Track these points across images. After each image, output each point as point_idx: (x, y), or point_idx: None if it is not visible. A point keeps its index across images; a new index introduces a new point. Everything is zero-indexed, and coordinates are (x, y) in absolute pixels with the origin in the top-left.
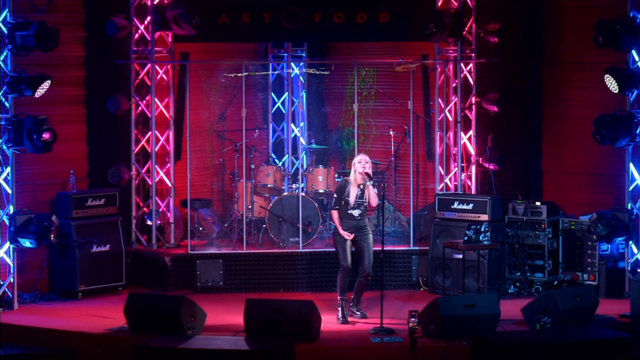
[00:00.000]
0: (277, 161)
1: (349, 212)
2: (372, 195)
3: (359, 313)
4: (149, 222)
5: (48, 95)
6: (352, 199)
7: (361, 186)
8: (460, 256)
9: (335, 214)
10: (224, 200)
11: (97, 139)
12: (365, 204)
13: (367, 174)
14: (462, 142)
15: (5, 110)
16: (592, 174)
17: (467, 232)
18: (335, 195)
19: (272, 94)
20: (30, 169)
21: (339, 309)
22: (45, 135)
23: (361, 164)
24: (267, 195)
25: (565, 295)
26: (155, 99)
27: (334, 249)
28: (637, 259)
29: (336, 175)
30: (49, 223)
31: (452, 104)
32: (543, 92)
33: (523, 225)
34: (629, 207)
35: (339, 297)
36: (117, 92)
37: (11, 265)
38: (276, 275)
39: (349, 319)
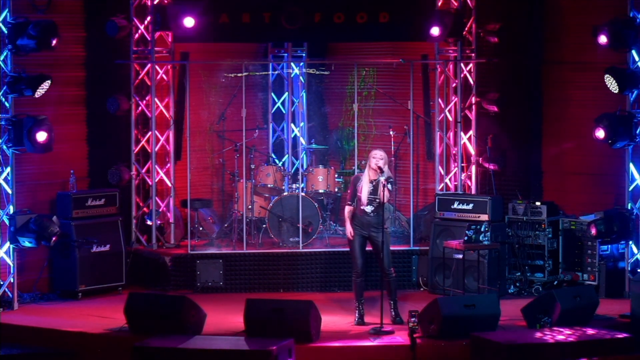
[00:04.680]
0: (277, 161)
1: (362, 207)
2: (383, 191)
3: (397, 318)
4: (149, 222)
5: (48, 95)
6: (364, 195)
7: (374, 182)
8: (460, 256)
9: (347, 209)
10: (224, 200)
11: (97, 139)
12: (378, 200)
13: (379, 167)
14: (462, 142)
15: (5, 110)
16: (592, 174)
17: (467, 232)
18: (348, 190)
19: (272, 94)
20: (30, 169)
21: (356, 311)
22: (44, 135)
23: (375, 159)
24: (267, 195)
25: (565, 295)
26: (155, 99)
27: (334, 249)
28: (637, 259)
29: (336, 175)
30: (51, 225)
31: (452, 104)
32: (543, 92)
33: (523, 225)
34: (629, 207)
35: (355, 302)
36: (117, 92)
37: (11, 265)
38: (276, 275)
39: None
